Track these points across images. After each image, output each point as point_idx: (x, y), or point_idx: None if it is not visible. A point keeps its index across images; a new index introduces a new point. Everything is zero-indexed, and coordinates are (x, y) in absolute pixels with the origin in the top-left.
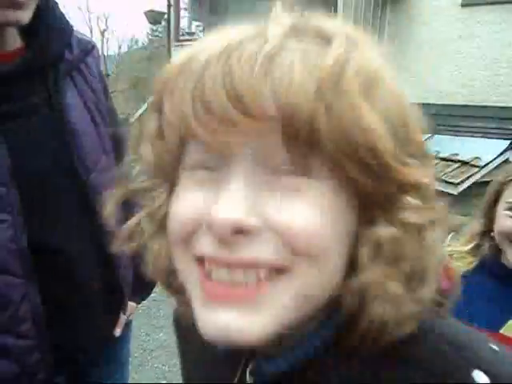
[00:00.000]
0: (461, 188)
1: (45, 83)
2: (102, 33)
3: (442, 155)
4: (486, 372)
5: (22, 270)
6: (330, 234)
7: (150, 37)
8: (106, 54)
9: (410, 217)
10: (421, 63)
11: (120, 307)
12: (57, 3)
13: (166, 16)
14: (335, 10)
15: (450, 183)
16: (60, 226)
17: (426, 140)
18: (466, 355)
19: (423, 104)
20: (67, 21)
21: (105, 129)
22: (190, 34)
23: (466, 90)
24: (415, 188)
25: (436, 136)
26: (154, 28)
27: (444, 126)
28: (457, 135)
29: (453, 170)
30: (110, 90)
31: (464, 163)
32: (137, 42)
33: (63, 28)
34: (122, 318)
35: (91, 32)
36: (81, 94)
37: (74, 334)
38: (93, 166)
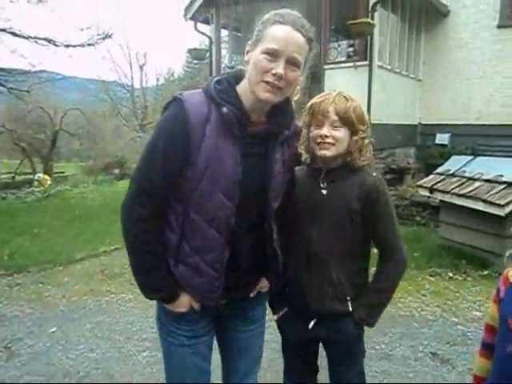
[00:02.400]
0: (507, 209)
1: (266, 144)
2: (141, 67)
3: (485, 177)
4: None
5: (229, 234)
6: None
7: (186, 68)
8: (144, 86)
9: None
10: (459, 85)
11: (260, 277)
12: (291, 103)
13: (208, 53)
14: (371, 38)
15: (497, 204)
16: (253, 219)
17: (468, 162)
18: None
19: (463, 125)
20: (293, 112)
21: (286, 179)
22: (230, 67)
23: (505, 109)
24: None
25: (478, 158)
26: (189, 60)
27: (485, 146)
28: (498, 155)
29: (498, 192)
30: (149, 120)
31: (509, 184)
32: (173, 74)
33: (291, 116)
34: (259, 286)
35: (131, 66)
36: (283, 156)
37: (238, 278)
38: (273, 197)
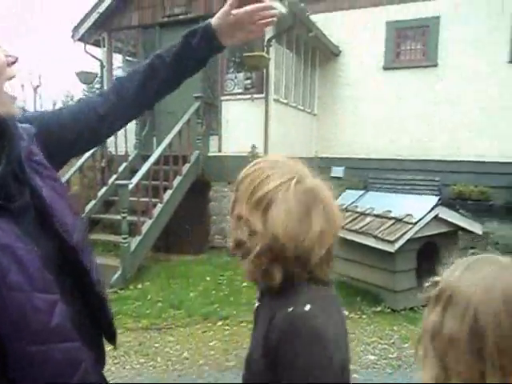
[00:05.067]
0: (397, 245)
1: (16, 177)
2: (35, 89)
3: (376, 212)
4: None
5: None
6: None
7: (86, 93)
8: (39, 109)
9: None
10: (350, 120)
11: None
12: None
13: (98, 76)
14: (267, 71)
15: (386, 241)
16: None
17: (360, 196)
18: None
19: (356, 159)
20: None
21: (63, 189)
22: None
23: (393, 144)
24: None
25: (369, 193)
26: (91, 85)
27: (375, 179)
28: (387, 188)
29: (388, 228)
30: None
31: (398, 220)
32: (72, 97)
33: (14, 124)
34: None
35: (23, 88)
36: (39, 173)
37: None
38: (71, 229)
